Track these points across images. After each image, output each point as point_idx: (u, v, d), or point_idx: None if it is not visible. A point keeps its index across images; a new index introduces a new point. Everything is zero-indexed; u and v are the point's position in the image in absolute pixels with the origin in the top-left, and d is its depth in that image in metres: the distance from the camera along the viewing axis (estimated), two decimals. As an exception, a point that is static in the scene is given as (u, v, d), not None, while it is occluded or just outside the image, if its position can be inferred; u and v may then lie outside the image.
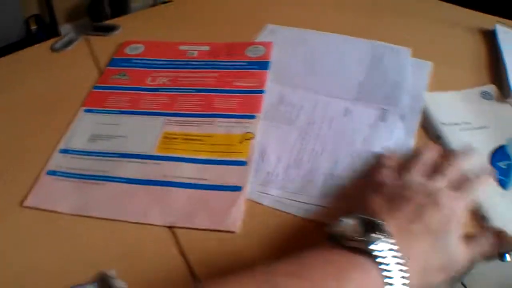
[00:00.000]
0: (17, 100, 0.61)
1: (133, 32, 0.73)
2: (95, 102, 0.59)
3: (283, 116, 0.55)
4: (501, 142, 0.50)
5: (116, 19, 0.76)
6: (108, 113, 0.57)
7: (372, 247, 0.31)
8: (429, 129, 0.53)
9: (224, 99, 0.58)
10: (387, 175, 0.42)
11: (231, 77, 0.61)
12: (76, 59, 0.68)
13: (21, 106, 0.60)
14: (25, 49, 0.72)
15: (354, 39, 0.68)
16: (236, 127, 0.53)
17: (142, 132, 0.54)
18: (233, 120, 0.54)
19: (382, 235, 0.32)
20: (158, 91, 0.60)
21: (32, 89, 0.62)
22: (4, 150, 0.53)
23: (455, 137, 0.51)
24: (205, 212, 0.44)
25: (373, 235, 0.32)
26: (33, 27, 1.57)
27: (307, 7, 0.77)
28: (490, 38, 0.68)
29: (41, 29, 1.55)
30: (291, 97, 0.58)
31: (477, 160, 0.46)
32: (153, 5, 1.77)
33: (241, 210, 0.45)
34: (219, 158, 0.50)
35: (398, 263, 0.31)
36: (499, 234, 0.40)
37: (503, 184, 0.46)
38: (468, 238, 0.38)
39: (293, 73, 0.62)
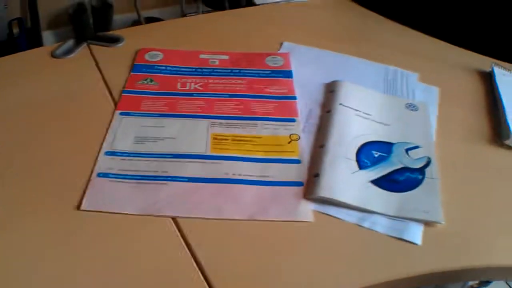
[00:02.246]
0: (25, 104, 0.58)
1: (138, 43, 0.71)
2: (129, 106, 0.58)
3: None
4: (392, 140, 0.55)
5: (118, 30, 0.75)
6: (148, 116, 0.56)
7: None
8: (326, 104, 0.61)
9: (260, 104, 0.60)
10: None
11: (260, 84, 0.64)
12: (80, 67, 0.66)
13: (35, 109, 0.58)
14: (23, 52, 0.69)
15: (368, 61, 0.71)
16: (280, 129, 0.56)
17: (190, 134, 0.54)
18: (276, 123, 0.57)
19: None
20: (193, 95, 0.60)
21: (34, 94, 0.60)
22: (42, 154, 0.50)
23: (343, 116, 0.58)
24: (277, 206, 0.46)
25: None
26: (15, 30, 1.49)
27: (318, 35, 0.78)
28: (486, 79, 0.69)
29: (23, 33, 1.46)
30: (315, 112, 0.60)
31: None
32: (137, 21, 1.71)
33: (309, 202, 0.47)
34: (274, 157, 0.52)
35: None
36: None
37: (361, 166, 0.51)
38: None
39: (313, 89, 0.64)
